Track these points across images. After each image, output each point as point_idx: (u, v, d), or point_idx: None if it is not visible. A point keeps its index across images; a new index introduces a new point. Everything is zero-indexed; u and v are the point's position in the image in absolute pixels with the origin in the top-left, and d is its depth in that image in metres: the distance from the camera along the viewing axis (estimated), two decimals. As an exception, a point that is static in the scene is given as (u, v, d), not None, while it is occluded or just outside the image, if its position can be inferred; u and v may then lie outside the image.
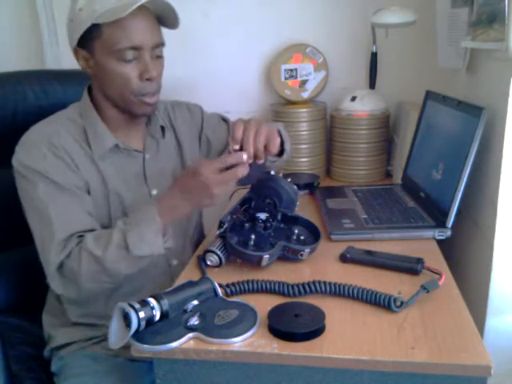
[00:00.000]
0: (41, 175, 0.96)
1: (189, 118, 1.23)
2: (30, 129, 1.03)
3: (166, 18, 1.02)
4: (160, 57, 1.03)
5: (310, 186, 1.37)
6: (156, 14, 1.00)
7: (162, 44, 1.02)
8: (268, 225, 1.00)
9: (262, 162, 0.93)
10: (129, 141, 1.09)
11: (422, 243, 1.03)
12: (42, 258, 0.96)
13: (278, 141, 0.94)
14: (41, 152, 0.98)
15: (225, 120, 1.30)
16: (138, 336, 0.73)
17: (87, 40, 0.98)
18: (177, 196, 0.93)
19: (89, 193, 1.02)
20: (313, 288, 0.83)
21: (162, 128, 1.15)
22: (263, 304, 0.80)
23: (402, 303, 0.78)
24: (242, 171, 0.88)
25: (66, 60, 1.69)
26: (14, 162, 0.99)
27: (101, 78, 1.01)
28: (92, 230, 0.97)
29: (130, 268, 0.94)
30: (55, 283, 0.95)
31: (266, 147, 0.92)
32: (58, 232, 0.94)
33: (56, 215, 0.95)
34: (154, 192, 1.10)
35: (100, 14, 0.94)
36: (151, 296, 0.75)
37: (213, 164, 0.89)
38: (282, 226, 1.04)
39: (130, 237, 0.90)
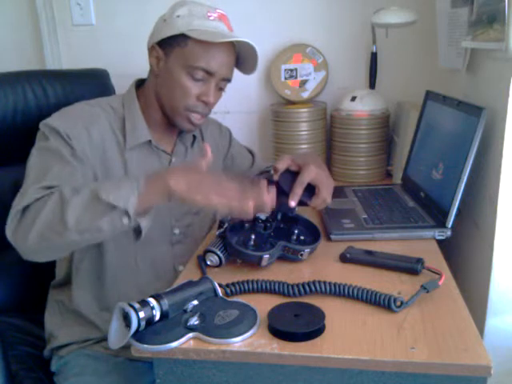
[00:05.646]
0: (61, 137, 0.96)
1: (218, 136, 1.27)
2: (73, 104, 1.05)
3: (243, 62, 1.08)
4: (222, 89, 1.08)
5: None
6: (238, 55, 1.07)
7: (229, 80, 1.08)
8: (268, 225, 1.00)
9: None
10: (160, 141, 1.11)
11: (422, 243, 1.03)
12: (17, 198, 0.90)
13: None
14: (74, 121, 0.99)
15: (251, 152, 1.35)
16: (138, 336, 0.73)
17: (169, 44, 1.02)
18: (176, 171, 0.86)
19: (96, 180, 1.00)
20: (313, 288, 0.83)
21: (194, 137, 1.18)
22: (263, 304, 0.80)
23: (401, 303, 0.78)
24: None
25: (66, 60, 1.71)
26: (41, 124, 0.99)
27: (163, 80, 1.04)
28: None
29: (87, 222, 0.82)
30: (11, 225, 0.87)
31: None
32: (48, 180, 0.90)
33: (57, 171, 0.92)
34: None
35: (195, 28, 0.99)
36: (151, 296, 0.75)
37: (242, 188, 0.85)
38: (282, 225, 1.04)
39: (106, 183, 0.87)
